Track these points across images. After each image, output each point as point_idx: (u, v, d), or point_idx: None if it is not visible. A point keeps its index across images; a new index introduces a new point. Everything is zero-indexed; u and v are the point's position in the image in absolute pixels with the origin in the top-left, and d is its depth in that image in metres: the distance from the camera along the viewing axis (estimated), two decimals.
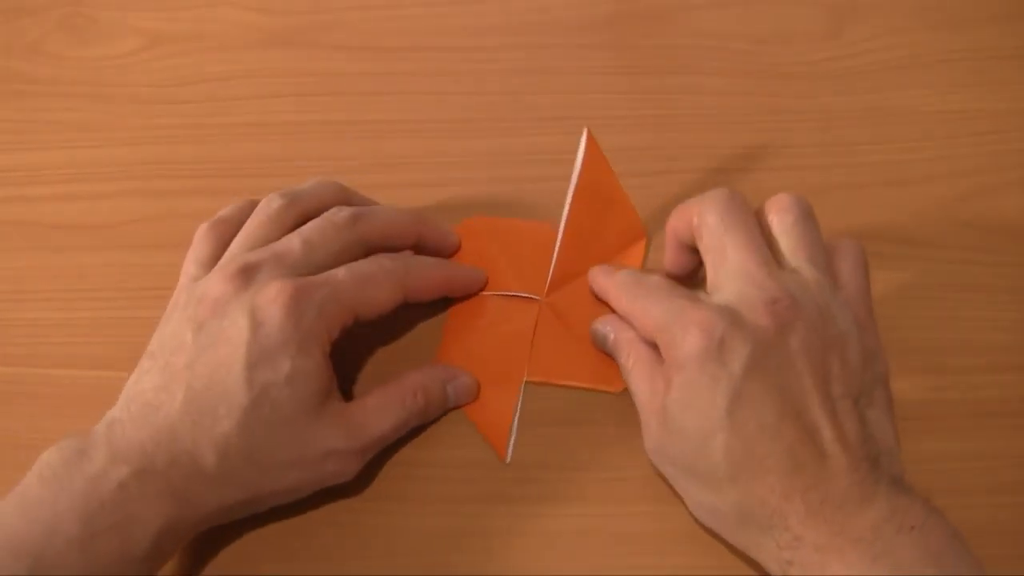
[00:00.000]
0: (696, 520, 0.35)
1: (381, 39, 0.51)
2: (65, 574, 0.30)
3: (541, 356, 0.40)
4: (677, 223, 0.37)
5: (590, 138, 0.40)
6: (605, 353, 0.39)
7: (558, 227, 0.42)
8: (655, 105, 0.48)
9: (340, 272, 0.36)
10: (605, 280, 0.40)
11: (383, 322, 0.38)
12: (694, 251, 0.37)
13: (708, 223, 0.35)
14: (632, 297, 0.37)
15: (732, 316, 0.32)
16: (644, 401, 0.35)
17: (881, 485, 0.30)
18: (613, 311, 0.40)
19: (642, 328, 0.36)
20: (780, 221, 0.35)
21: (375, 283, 0.36)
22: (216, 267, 0.37)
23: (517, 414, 0.39)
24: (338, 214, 0.38)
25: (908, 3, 0.50)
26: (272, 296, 0.34)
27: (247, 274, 0.35)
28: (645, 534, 0.37)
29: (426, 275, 0.39)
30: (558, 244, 0.42)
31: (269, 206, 0.38)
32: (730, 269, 0.34)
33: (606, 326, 0.39)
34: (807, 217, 0.35)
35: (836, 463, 0.31)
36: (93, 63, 0.51)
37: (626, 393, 0.39)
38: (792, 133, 0.46)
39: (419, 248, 0.41)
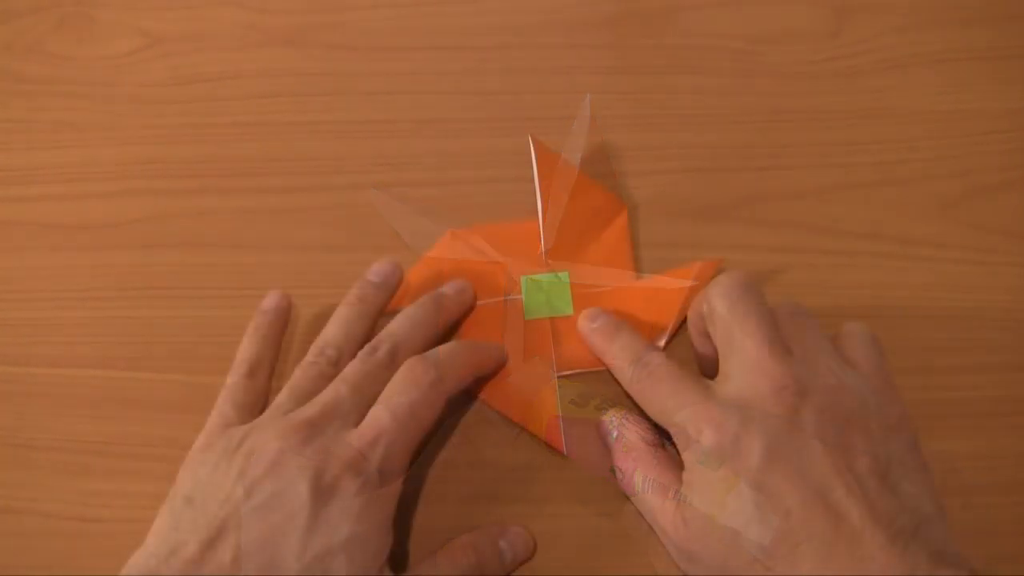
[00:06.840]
0: None
1: (381, 39, 0.51)
2: None
3: (563, 348, 0.41)
4: (693, 313, 0.38)
5: (536, 144, 0.43)
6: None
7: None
8: (655, 105, 0.48)
9: (384, 419, 0.34)
10: (604, 344, 0.39)
11: None
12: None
13: (717, 312, 0.35)
14: (638, 380, 0.37)
15: (743, 411, 0.33)
16: (660, 513, 0.35)
17: (921, 560, 0.30)
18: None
19: (650, 414, 0.36)
20: (785, 312, 0.36)
21: (418, 415, 0.35)
22: (266, 419, 0.35)
23: (560, 405, 0.39)
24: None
25: (908, 3, 0.50)
26: (334, 465, 0.33)
27: (303, 433, 0.34)
28: (644, 534, 0.37)
29: (457, 374, 0.37)
30: (542, 239, 0.43)
31: (319, 364, 0.37)
32: (739, 358, 0.34)
33: (613, 424, 0.38)
34: (807, 313, 0.36)
35: (870, 541, 0.30)
36: (93, 63, 0.51)
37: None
38: (792, 133, 0.46)
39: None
